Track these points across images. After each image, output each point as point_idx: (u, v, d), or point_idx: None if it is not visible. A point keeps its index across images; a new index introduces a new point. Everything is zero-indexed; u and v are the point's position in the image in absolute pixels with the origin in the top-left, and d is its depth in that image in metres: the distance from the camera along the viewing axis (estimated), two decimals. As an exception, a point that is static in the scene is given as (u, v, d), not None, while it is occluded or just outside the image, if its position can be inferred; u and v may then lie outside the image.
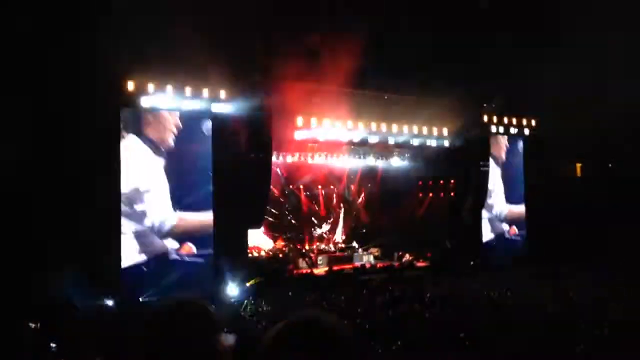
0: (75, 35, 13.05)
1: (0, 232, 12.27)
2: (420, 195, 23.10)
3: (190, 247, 15.41)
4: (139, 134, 14.72)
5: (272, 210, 21.06)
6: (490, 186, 21.56)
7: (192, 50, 13.74)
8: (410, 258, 21.03)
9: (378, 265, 20.32)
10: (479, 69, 18.84)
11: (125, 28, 12.78)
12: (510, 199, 22.48)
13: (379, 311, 12.24)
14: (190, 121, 15.40)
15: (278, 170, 20.90)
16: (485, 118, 21.27)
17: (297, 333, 1.56)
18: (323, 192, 23.32)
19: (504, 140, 22.02)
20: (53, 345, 9.00)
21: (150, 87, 14.60)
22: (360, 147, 21.10)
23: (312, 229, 22.91)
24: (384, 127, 19.87)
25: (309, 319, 1.58)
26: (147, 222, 14.81)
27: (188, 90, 15.22)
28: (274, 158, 18.02)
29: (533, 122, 22.28)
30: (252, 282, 15.71)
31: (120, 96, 14.21)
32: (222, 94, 15.60)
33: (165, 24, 13.33)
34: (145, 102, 14.61)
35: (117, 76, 14.04)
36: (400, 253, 21.75)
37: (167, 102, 15.00)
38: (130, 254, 14.46)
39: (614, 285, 14.63)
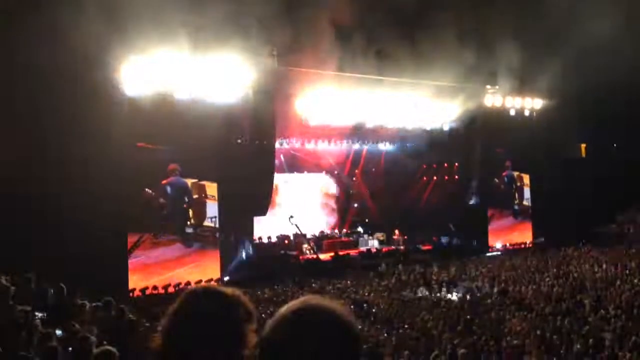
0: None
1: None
2: (425, 179, 23.06)
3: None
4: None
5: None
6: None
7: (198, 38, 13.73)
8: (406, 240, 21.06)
9: (384, 250, 20.35)
10: (483, 50, 18.68)
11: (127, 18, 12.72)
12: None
13: (385, 295, 12.29)
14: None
15: (282, 157, 20.87)
16: (490, 100, 21.13)
17: (297, 321, 1.55)
18: (327, 177, 23.28)
19: (508, 122, 21.89)
20: (59, 332, 9.03)
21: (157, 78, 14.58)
22: (364, 131, 21.02)
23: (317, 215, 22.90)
24: (386, 111, 19.79)
25: (308, 306, 1.57)
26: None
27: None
28: (277, 145, 18.00)
29: (538, 104, 22.14)
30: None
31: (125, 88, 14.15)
32: (227, 84, 15.56)
33: (170, 11, 13.26)
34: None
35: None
36: (403, 236, 21.71)
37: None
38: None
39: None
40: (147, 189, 14.72)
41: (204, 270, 15.21)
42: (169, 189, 15.06)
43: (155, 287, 14.26)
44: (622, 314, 9.23)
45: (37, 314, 9.78)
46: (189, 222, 15.41)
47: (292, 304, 1.56)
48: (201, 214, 15.59)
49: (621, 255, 16.73)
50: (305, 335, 1.48)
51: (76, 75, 12.72)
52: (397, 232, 21.73)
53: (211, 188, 15.68)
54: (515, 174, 22.41)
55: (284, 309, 1.57)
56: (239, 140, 15.98)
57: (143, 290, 14.02)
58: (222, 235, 15.73)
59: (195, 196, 15.46)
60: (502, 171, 22.08)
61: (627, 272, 13.62)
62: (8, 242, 11.50)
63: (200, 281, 14.86)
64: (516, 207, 22.45)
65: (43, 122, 12.91)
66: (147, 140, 14.54)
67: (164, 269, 14.67)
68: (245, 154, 15.85)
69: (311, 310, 1.53)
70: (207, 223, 15.65)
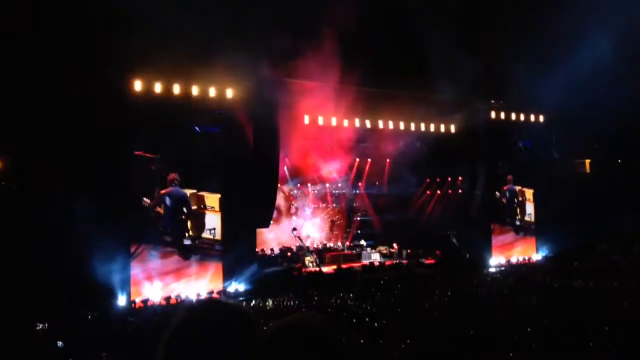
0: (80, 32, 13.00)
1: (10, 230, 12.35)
2: (428, 192, 23.05)
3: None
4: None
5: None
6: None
7: (199, 48, 13.73)
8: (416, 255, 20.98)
9: (387, 264, 20.29)
10: (485, 66, 18.72)
11: (130, 26, 12.78)
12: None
13: (388, 310, 12.21)
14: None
15: (285, 168, 20.90)
16: (493, 114, 21.15)
17: (284, 338, 1.60)
18: (330, 190, 23.31)
19: (511, 137, 21.89)
20: (60, 343, 9.02)
21: (157, 86, 14.60)
22: (368, 144, 21.07)
23: (320, 228, 22.90)
24: (390, 124, 19.85)
25: (295, 323, 1.62)
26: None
27: (195, 89, 15.20)
28: (280, 156, 18.00)
29: (541, 118, 22.13)
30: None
31: (127, 96, 14.17)
32: (229, 92, 15.59)
33: (171, 21, 13.29)
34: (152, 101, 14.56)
35: (124, 76, 14.05)
36: (409, 251, 21.75)
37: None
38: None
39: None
40: (145, 199, 14.66)
41: (204, 282, 15.13)
42: (167, 199, 14.91)
43: (155, 299, 14.18)
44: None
45: (38, 324, 9.78)
46: (187, 234, 15.27)
47: (276, 323, 1.61)
48: (200, 225, 15.44)
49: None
50: (288, 351, 1.52)
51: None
52: (395, 245, 21.69)
53: (210, 199, 15.55)
54: (517, 188, 22.31)
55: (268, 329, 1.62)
56: (242, 151, 15.89)
57: (144, 301, 13.96)
58: (225, 248, 15.60)
59: (194, 207, 15.33)
60: (503, 185, 22.00)
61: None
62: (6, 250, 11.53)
63: (200, 294, 14.82)
64: (518, 222, 22.28)
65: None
66: (145, 149, 14.49)
67: (162, 281, 14.55)
68: (248, 165, 15.80)
69: (294, 327, 1.57)
70: (205, 235, 15.51)
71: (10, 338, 9.19)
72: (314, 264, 19.32)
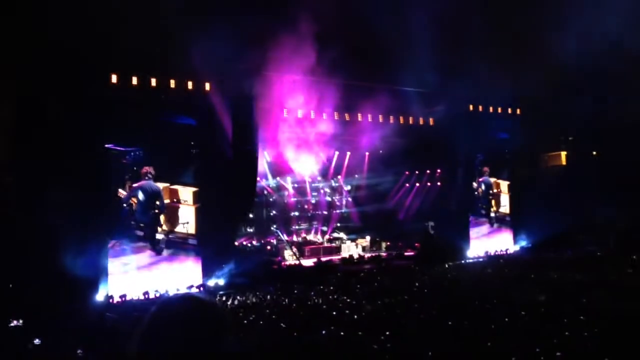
0: (58, 26, 12.77)
1: None
2: (407, 185, 23.17)
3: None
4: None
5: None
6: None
7: (176, 42, 13.57)
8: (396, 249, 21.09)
9: (366, 256, 20.35)
10: (463, 59, 18.82)
11: (109, 21, 12.59)
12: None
13: (367, 302, 12.25)
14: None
15: (264, 162, 20.82)
16: (471, 107, 21.28)
17: (172, 309, 1.73)
18: (310, 183, 23.29)
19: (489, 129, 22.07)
20: (37, 341, 8.88)
21: (134, 80, 14.41)
22: (346, 137, 21.08)
23: (300, 221, 22.88)
24: (369, 117, 19.88)
25: (182, 297, 1.76)
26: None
27: (172, 82, 15.03)
28: (259, 150, 17.91)
29: (518, 111, 22.34)
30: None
31: (103, 89, 13.95)
32: (207, 86, 15.45)
33: (150, 17, 13.12)
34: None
35: (100, 69, 13.84)
36: (388, 243, 21.87)
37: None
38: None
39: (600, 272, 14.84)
40: (120, 190, 14.46)
41: (182, 276, 15.01)
42: (140, 193, 14.70)
43: (133, 294, 14.04)
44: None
45: (13, 321, 9.61)
46: (160, 229, 15.07)
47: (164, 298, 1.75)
48: (173, 219, 15.30)
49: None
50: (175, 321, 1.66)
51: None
52: (367, 237, 21.85)
53: (184, 192, 15.40)
54: (492, 180, 22.50)
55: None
56: (219, 143, 15.75)
57: (122, 296, 13.82)
58: (201, 241, 15.47)
59: (166, 201, 15.14)
60: (479, 177, 22.18)
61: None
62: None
63: (179, 289, 14.71)
64: (493, 214, 22.48)
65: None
66: (117, 141, 14.29)
67: (138, 276, 14.39)
68: (226, 158, 15.69)
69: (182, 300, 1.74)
70: (179, 229, 15.33)
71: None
72: (295, 257, 19.31)
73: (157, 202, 14.97)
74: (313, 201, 23.38)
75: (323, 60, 17.26)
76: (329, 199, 23.80)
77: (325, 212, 23.51)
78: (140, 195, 14.70)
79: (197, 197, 15.48)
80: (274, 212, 22.36)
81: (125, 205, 14.45)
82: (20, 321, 10.25)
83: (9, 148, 13.24)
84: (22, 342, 8.97)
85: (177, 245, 15.25)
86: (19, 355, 8.55)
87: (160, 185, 15.04)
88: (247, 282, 15.24)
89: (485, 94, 21.05)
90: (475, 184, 21.99)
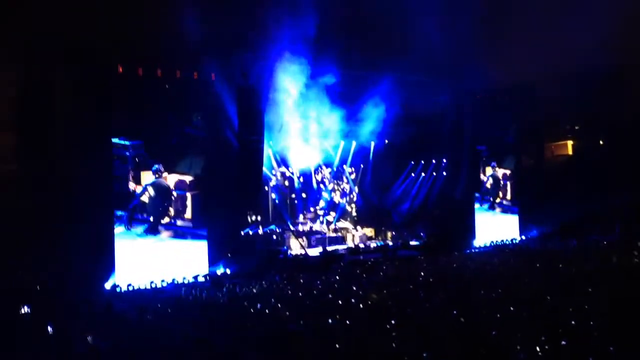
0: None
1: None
2: (413, 175, 23.12)
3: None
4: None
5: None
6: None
7: (184, 33, 13.62)
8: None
9: (372, 246, 20.37)
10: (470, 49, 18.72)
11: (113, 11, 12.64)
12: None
13: (373, 291, 12.29)
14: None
15: (271, 152, 20.81)
16: (478, 97, 21.22)
17: None
18: (316, 173, 23.26)
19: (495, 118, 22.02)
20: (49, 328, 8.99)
21: (140, 70, 14.46)
22: (353, 127, 21.04)
23: (305, 211, 22.89)
24: (373, 106, 19.87)
25: None
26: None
27: (178, 73, 15.08)
28: (265, 140, 17.94)
29: (525, 101, 22.24)
30: None
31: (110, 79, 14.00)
32: (212, 76, 15.50)
33: (156, 7, 13.17)
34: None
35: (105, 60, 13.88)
36: (394, 233, 21.83)
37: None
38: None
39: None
40: (131, 183, 14.68)
41: (188, 265, 15.14)
42: (151, 190, 15.03)
43: (139, 283, 14.16)
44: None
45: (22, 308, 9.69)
46: (167, 219, 15.31)
47: None
48: (181, 208, 15.50)
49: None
50: None
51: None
52: (370, 229, 21.91)
53: (190, 181, 15.60)
54: (500, 170, 22.48)
55: None
56: (226, 133, 15.86)
57: (129, 285, 13.94)
58: (208, 231, 15.59)
59: (173, 190, 15.40)
60: (486, 166, 22.15)
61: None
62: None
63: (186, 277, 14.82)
64: (499, 203, 22.47)
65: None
66: (121, 132, 14.41)
67: (145, 265, 14.54)
68: (233, 149, 15.78)
69: None
70: (187, 216, 15.54)
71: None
72: (301, 247, 19.36)
73: (167, 199, 15.30)
74: (318, 190, 23.36)
75: (328, 48, 17.23)
76: (334, 188, 23.78)
77: (330, 202, 23.49)
78: (152, 192, 15.06)
79: (203, 187, 15.61)
80: (279, 201, 22.37)
81: (137, 200, 14.78)
82: (30, 309, 10.38)
83: (14, 139, 13.31)
84: (34, 330, 9.08)
85: (184, 235, 15.42)
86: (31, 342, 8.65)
87: (167, 176, 15.23)
88: (252, 271, 15.33)
89: (491, 82, 20.94)
90: (483, 175, 22.03)
